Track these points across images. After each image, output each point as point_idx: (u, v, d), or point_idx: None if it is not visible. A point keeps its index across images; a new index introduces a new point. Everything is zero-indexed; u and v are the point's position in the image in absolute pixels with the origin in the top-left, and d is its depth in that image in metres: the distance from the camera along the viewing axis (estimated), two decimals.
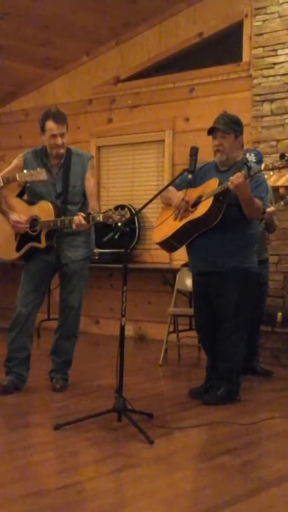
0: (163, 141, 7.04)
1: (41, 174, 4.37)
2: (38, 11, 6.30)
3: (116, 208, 4.13)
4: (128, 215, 4.09)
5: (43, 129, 4.57)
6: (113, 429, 3.80)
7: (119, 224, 4.01)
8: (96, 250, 6.26)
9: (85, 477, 3.24)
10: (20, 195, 4.81)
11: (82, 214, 4.33)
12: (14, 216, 4.60)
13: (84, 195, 4.67)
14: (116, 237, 3.98)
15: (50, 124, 4.53)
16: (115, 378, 3.83)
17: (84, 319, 6.94)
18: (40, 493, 2.96)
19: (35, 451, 3.56)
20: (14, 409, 4.31)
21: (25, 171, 4.40)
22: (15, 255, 4.71)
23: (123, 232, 3.97)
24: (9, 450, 3.65)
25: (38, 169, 4.40)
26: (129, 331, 7.02)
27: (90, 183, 4.68)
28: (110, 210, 4.19)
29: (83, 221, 4.29)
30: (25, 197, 4.77)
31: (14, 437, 3.81)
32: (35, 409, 4.36)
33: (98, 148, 7.50)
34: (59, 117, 4.55)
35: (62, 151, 4.59)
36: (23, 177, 4.35)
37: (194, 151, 4.21)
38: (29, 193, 4.73)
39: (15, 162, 4.69)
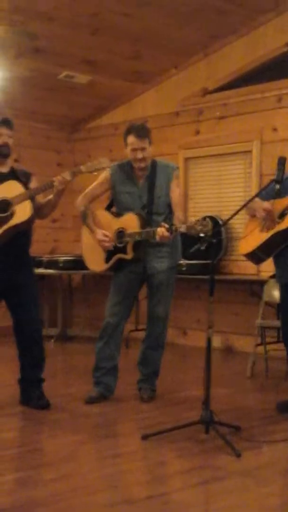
0: (250, 151, 7.00)
1: (104, 162, 4.43)
2: (128, 26, 6.41)
3: (202, 218, 4.10)
4: (210, 226, 4.07)
5: (125, 143, 4.65)
6: (200, 441, 3.81)
7: (202, 235, 4.01)
8: (183, 261, 6.31)
9: (172, 488, 3.26)
10: (108, 208, 4.91)
11: (165, 225, 4.36)
12: (98, 235, 4.68)
13: (169, 205, 4.71)
14: (203, 248, 3.98)
15: (131, 138, 4.60)
16: (202, 390, 3.83)
17: (171, 330, 6.96)
18: (127, 502, 3.00)
19: (123, 460, 3.62)
20: (102, 419, 4.38)
21: (88, 162, 4.47)
22: (104, 266, 4.80)
23: (210, 243, 3.97)
24: (98, 458, 3.73)
25: (101, 159, 4.46)
26: (216, 342, 6.99)
27: (175, 193, 4.72)
28: (193, 221, 4.18)
29: (166, 233, 4.31)
30: (114, 209, 4.88)
31: (102, 446, 3.88)
32: (122, 419, 4.42)
33: (186, 159, 7.54)
34: (141, 132, 4.60)
35: (143, 165, 4.65)
36: (88, 168, 4.41)
37: (282, 161, 4.19)
38: (116, 205, 4.82)
39: (103, 175, 4.78)
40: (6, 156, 4.43)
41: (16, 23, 6.10)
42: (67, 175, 4.33)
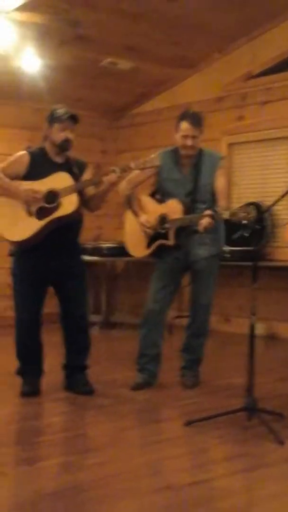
0: None
1: (155, 160, 4.44)
2: (170, 11, 6.36)
3: (246, 205, 4.11)
4: (254, 213, 4.05)
5: (177, 128, 4.64)
6: (243, 428, 3.80)
7: (245, 221, 3.99)
8: (226, 248, 6.28)
9: (216, 475, 3.26)
10: (152, 195, 4.92)
11: (209, 212, 4.35)
12: (142, 219, 4.70)
13: (213, 194, 4.70)
14: (246, 234, 3.97)
15: (185, 125, 4.58)
16: (245, 377, 3.82)
17: (214, 317, 6.92)
18: (170, 488, 3.02)
19: (166, 446, 3.64)
20: (145, 405, 4.41)
21: (140, 160, 4.47)
22: (145, 252, 4.82)
23: (253, 229, 3.95)
24: (142, 444, 3.75)
25: (152, 155, 4.46)
26: (260, 330, 6.95)
27: (219, 182, 4.70)
28: (236, 208, 4.19)
29: (209, 220, 4.31)
30: (158, 195, 4.88)
31: (146, 431, 3.91)
32: (166, 405, 4.44)
33: (229, 145, 7.48)
34: (195, 120, 4.59)
35: (191, 152, 4.64)
36: (138, 165, 4.41)
37: None
38: (160, 192, 4.82)
39: None
40: (66, 150, 4.48)
41: (59, 11, 6.12)
42: (117, 171, 4.34)
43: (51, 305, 4.99)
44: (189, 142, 4.58)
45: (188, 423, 3.85)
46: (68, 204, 4.32)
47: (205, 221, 4.32)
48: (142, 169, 4.49)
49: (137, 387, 4.67)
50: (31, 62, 6.84)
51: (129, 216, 4.92)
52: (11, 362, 4.66)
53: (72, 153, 4.63)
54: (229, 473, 3.24)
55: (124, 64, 7.38)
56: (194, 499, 2.91)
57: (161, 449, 3.58)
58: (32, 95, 7.47)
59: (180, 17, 6.51)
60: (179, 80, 7.93)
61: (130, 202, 4.82)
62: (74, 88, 7.82)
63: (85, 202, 4.49)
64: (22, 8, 5.28)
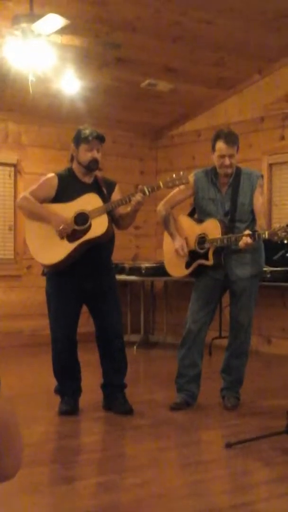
0: None
1: (184, 178, 4.41)
2: (210, 33, 6.38)
3: (287, 225, 4.07)
4: None
5: (213, 148, 4.62)
6: (285, 451, 3.71)
7: (286, 241, 3.94)
8: (267, 268, 6.22)
9: (257, 498, 3.19)
10: (191, 214, 4.90)
11: (248, 231, 4.31)
12: (177, 244, 4.68)
13: (252, 213, 4.66)
14: (287, 255, 3.92)
15: (220, 145, 4.56)
16: (287, 399, 3.75)
17: (256, 338, 6.86)
18: (211, 510, 2.96)
19: (206, 468, 3.57)
20: (185, 426, 4.35)
21: (167, 178, 4.46)
22: (185, 272, 4.79)
23: None
24: (181, 465, 3.70)
25: (181, 173, 4.44)
26: None
27: (258, 201, 4.66)
28: (276, 227, 4.14)
29: (249, 240, 4.27)
30: (196, 215, 4.85)
31: (185, 452, 3.84)
32: (206, 426, 4.37)
33: (270, 165, 7.43)
34: (230, 138, 4.57)
35: (229, 171, 4.61)
36: (166, 184, 4.40)
37: None
38: (198, 211, 4.80)
39: None
40: (93, 170, 4.50)
41: (100, 33, 6.19)
42: (145, 191, 4.34)
43: (86, 324, 4.98)
44: (226, 161, 4.56)
45: (229, 445, 3.77)
46: (98, 226, 4.33)
47: (244, 241, 4.28)
48: (171, 187, 4.48)
49: (176, 407, 4.62)
50: (71, 84, 6.91)
51: (167, 236, 4.90)
52: (51, 380, 4.65)
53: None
54: (272, 496, 3.16)
55: (164, 86, 7.41)
56: None
57: (201, 471, 3.51)
58: (72, 116, 7.54)
59: (220, 38, 6.52)
60: (219, 101, 7.93)
61: (166, 223, 4.80)
62: (113, 110, 7.89)
63: (115, 221, 4.50)
64: (62, 31, 5.34)
